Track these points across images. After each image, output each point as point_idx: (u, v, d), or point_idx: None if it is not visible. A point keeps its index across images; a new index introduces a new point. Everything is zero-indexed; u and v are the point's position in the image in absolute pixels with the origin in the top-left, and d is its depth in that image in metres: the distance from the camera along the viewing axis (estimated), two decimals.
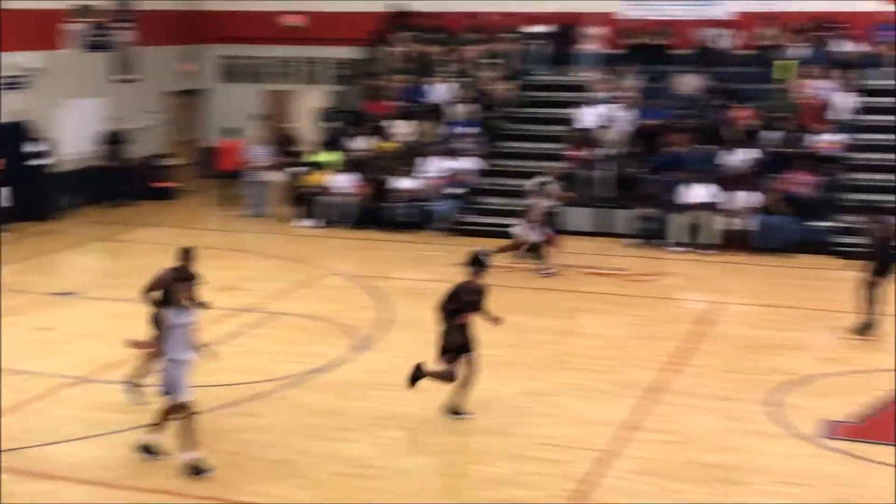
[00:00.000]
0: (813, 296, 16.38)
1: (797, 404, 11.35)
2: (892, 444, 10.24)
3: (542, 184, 18.19)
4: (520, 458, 9.86)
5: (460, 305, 10.52)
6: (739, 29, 23.53)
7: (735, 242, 19.39)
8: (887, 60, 22.28)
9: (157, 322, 9.80)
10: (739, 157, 20.44)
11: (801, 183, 19.69)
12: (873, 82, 22.16)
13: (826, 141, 20.59)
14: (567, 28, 24.60)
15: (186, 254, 10.76)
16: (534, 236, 17.67)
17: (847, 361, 12.94)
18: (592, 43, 24.26)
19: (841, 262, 16.75)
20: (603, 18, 24.46)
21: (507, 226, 18.96)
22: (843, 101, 21.39)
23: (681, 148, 21.09)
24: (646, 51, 23.81)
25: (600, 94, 22.71)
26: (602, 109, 22.23)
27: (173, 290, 9.52)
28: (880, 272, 13.99)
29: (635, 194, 20.45)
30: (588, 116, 22.26)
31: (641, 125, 21.79)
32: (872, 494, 8.96)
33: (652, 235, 20.01)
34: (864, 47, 22.65)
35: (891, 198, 19.59)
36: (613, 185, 21.03)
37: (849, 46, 22.65)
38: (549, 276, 17.39)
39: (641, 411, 11.13)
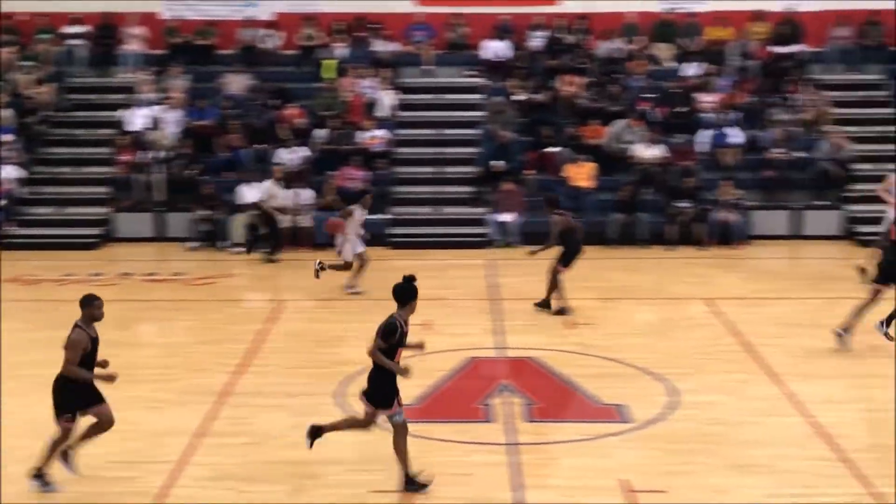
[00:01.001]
0: (370, 286, 16.96)
1: None
2: (449, 422, 10.86)
3: (363, 193, 16.85)
4: (90, 480, 9.37)
5: (397, 342, 9.09)
6: (282, 29, 23.89)
7: (293, 240, 19.69)
8: (422, 59, 23.62)
9: None
10: (292, 156, 20.77)
11: (353, 178, 20.38)
12: (410, 80, 23.41)
13: (373, 137, 21.46)
14: (108, 28, 23.77)
15: None
16: (360, 249, 16.14)
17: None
18: (136, 43, 23.63)
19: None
20: (145, 18, 23.88)
21: (55, 237, 18.00)
22: (385, 99, 22.40)
23: (234, 148, 21.10)
24: (191, 51, 23.55)
25: (147, 96, 22.19)
26: (150, 111, 21.74)
27: None
28: (565, 260, 14.84)
29: (191, 196, 20.19)
30: (136, 119, 21.68)
31: (192, 126, 21.55)
32: (437, 471, 9.42)
33: (211, 237, 19.86)
34: (400, 46, 23.85)
35: (429, 189, 20.92)
36: (168, 188, 20.63)
37: (387, 46, 23.72)
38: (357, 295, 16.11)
39: (211, 416, 10.99)
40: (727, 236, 19.79)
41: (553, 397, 11.85)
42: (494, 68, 23.27)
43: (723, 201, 19.95)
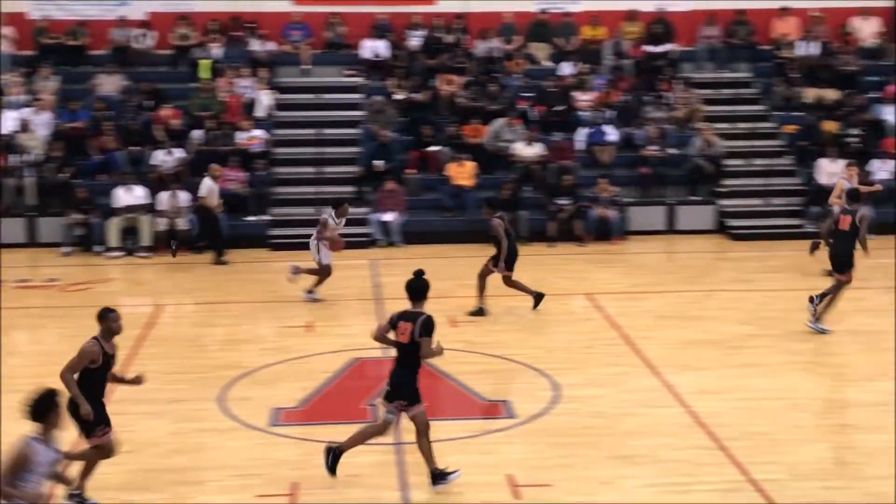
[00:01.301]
0: (251, 289, 16.81)
1: (246, 396, 11.59)
2: (335, 423, 10.78)
3: (338, 203, 16.21)
4: None
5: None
6: (156, 29, 23.43)
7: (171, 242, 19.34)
8: (300, 58, 23.42)
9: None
10: (168, 157, 20.38)
11: (232, 179, 20.10)
12: (288, 80, 23.21)
13: (251, 138, 21.19)
14: None
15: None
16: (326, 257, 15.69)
17: (288, 350, 13.41)
18: (3, 44, 22.91)
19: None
20: (12, 18, 23.17)
21: None
22: (263, 99, 22.16)
23: (108, 150, 20.63)
24: (61, 51, 22.94)
25: (16, 98, 21.54)
26: (20, 113, 21.11)
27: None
28: (510, 261, 14.80)
29: (64, 200, 19.66)
30: (5, 121, 21.03)
31: (63, 128, 20.98)
32: (321, 473, 9.33)
33: (85, 242, 19.39)
34: (277, 46, 23.61)
35: (310, 189, 20.74)
36: (39, 192, 20.07)
37: (264, 45, 23.45)
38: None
39: None
40: (605, 232, 20.13)
41: (438, 395, 11.87)
42: (373, 67, 23.21)
43: (600, 198, 20.28)
